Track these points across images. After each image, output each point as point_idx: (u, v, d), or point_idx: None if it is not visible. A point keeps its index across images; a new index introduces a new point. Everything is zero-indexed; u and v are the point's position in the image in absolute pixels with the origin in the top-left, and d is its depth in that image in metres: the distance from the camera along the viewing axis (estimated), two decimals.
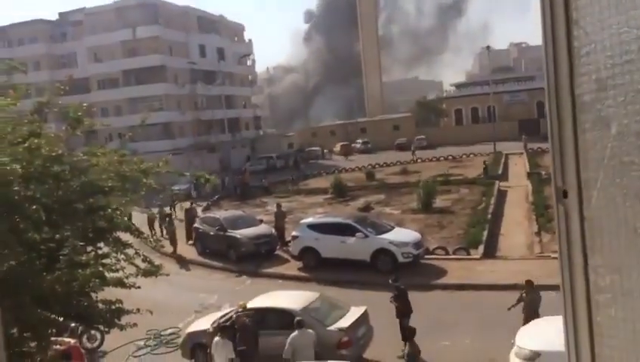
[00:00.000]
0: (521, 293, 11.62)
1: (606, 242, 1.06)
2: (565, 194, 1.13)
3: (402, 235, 19.08)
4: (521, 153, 46.28)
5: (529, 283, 11.57)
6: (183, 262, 22.89)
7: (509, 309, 11.68)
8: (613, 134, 1.02)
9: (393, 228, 20.02)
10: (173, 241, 24.01)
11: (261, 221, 24.30)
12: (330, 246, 19.10)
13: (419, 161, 51.64)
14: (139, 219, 21.83)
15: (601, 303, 1.07)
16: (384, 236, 18.67)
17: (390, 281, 13.04)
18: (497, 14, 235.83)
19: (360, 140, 74.19)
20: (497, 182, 33.44)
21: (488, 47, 64.53)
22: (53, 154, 7.36)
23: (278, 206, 25.42)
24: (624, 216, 1.01)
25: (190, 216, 27.11)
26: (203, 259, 23.02)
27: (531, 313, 11.21)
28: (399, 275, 13.92)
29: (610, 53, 1.03)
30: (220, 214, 25.58)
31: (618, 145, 1.01)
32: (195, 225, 24.95)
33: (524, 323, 11.18)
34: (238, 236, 21.95)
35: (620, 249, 1.02)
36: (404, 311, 12.30)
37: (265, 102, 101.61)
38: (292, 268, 20.20)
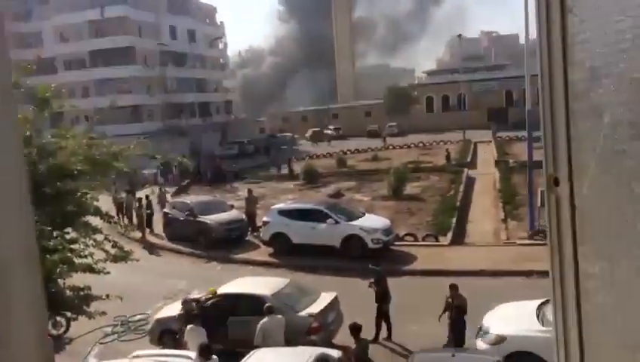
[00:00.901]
0: (447, 298, 11.29)
1: (596, 230, 1.06)
2: (557, 182, 1.12)
3: (372, 222, 19.22)
4: (490, 141, 47.01)
5: (453, 287, 11.18)
6: (153, 248, 22.63)
7: (439, 319, 11.11)
8: (606, 123, 1.02)
9: (363, 214, 20.15)
10: (142, 226, 23.69)
11: (232, 206, 24.14)
12: (300, 232, 19.13)
13: (390, 147, 51.96)
14: (108, 203, 21.51)
15: (590, 291, 1.07)
16: (354, 222, 18.78)
17: (370, 266, 13.13)
18: (471, 2, 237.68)
19: (331, 126, 74.24)
20: (466, 169, 33.90)
21: (460, 36, 64.96)
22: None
23: (249, 191, 25.30)
24: (615, 205, 1.01)
25: (160, 201, 26.79)
26: (172, 244, 22.79)
27: (460, 316, 10.86)
28: (378, 261, 14.06)
29: (605, 41, 1.02)
30: (190, 199, 25.33)
31: (611, 134, 1.01)
32: (165, 210, 24.66)
33: (450, 327, 10.98)
34: (209, 221, 21.78)
35: (611, 237, 1.02)
36: (383, 296, 12.40)
37: (236, 86, 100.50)
38: (263, 253, 20.18)
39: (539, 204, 19.45)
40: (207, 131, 68.11)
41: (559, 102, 1.12)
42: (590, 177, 1.05)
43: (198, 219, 22.14)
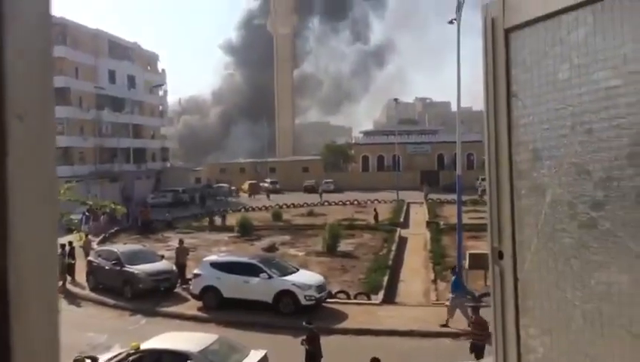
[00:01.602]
0: None
1: (538, 304, 1.10)
2: (501, 256, 1.17)
3: (306, 278, 19.07)
4: (422, 203, 48.33)
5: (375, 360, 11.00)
6: (73, 298, 21.38)
7: None
8: (548, 202, 1.08)
9: (297, 270, 19.98)
10: (62, 275, 22.42)
11: (162, 257, 23.36)
12: (232, 286, 18.67)
13: (326, 203, 52.39)
14: None
15: None
16: (288, 278, 18.57)
17: (304, 323, 12.91)
18: (410, 69, 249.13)
19: (269, 180, 74.31)
20: (399, 229, 34.55)
21: (396, 100, 67.72)
22: None
23: (180, 242, 24.65)
24: (555, 281, 1.06)
25: (85, 248, 25.55)
26: (95, 295, 21.64)
27: None
28: (310, 318, 13.84)
29: (547, 126, 1.10)
30: (118, 248, 24.33)
31: (552, 212, 1.07)
32: (89, 258, 23.53)
33: None
34: (136, 272, 20.92)
35: (551, 312, 1.06)
36: (315, 354, 12.15)
37: (175, 133, 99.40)
38: (192, 307, 19.47)
39: (467, 266, 20.02)
40: (141, 177, 66.47)
41: (504, 180, 1.18)
42: (532, 252, 1.10)
43: (124, 268, 21.22)
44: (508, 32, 1.23)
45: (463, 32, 19.87)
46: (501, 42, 1.23)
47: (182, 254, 23.37)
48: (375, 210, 40.85)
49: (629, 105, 1.02)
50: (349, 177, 74.76)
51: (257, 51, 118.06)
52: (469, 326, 14.28)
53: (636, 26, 1.03)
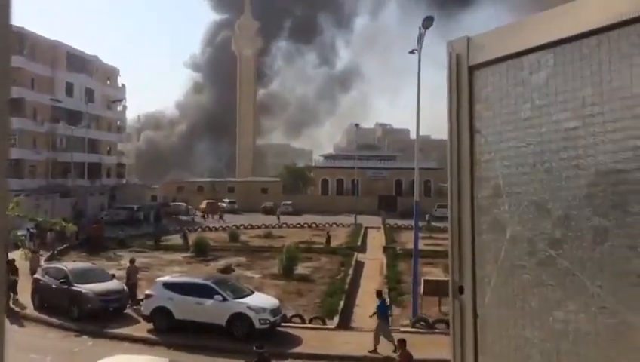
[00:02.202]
0: None
1: (497, 341, 1.10)
2: (461, 290, 1.17)
3: (261, 301, 18.82)
4: (379, 227, 48.71)
5: None
6: (15, 317, 20.45)
7: None
8: (508, 238, 1.09)
9: (252, 292, 19.71)
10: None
11: (113, 276, 22.67)
12: (185, 308, 18.25)
13: (284, 225, 52.16)
14: None
15: None
16: (243, 300, 18.28)
17: (254, 348, 12.70)
18: (373, 95, 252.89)
19: (227, 200, 73.58)
20: (355, 253, 34.64)
21: (357, 125, 68.53)
22: None
23: (131, 261, 24.03)
24: (514, 318, 1.06)
25: (31, 265, 24.60)
26: (40, 314, 20.76)
27: None
28: (264, 342, 13.66)
29: (508, 163, 1.12)
30: (66, 265, 23.49)
31: (511, 249, 1.08)
32: (36, 275, 22.62)
33: None
34: (84, 291, 20.21)
35: (510, 350, 1.06)
36: None
37: (133, 150, 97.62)
38: (142, 329, 18.89)
39: (422, 292, 20.19)
40: (95, 193, 64.74)
41: (466, 214, 1.19)
42: (492, 288, 1.11)
43: (72, 287, 20.48)
44: (472, 69, 1.25)
45: (426, 63, 20.36)
46: (465, 79, 1.26)
47: (132, 273, 22.76)
48: (328, 233, 40.92)
49: (587, 147, 1.05)
50: (308, 200, 74.80)
51: (222, 69, 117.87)
52: (394, 351, 14.61)
53: (594, 71, 1.06)
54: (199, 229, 46.88)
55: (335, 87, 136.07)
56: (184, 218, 60.67)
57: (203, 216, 63.19)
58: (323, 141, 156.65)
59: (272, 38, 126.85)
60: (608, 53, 1.05)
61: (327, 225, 52.50)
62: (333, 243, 38.41)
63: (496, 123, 1.18)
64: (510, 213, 1.10)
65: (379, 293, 18.94)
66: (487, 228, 1.15)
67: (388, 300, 22.60)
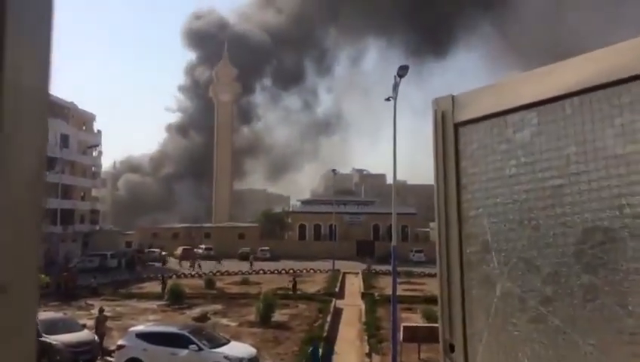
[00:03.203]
0: None
1: None
2: (452, 348, 1.16)
3: (237, 350, 18.38)
4: (357, 273, 48.40)
5: None
6: None
7: None
8: (498, 295, 1.09)
9: (229, 341, 19.27)
10: None
11: (83, 326, 21.96)
12: (159, 359, 17.69)
13: (260, 271, 51.53)
14: None
15: None
16: (219, 349, 17.83)
17: None
18: (350, 140, 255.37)
19: (203, 246, 72.60)
20: (334, 299, 34.25)
21: (334, 170, 68.96)
22: None
23: (101, 310, 23.40)
24: None
25: None
26: None
27: None
28: None
29: (496, 219, 1.13)
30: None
31: (502, 306, 1.08)
32: None
33: None
34: (54, 342, 19.48)
35: None
36: None
37: (108, 196, 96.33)
38: None
39: (401, 338, 19.93)
40: (67, 240, 63.35)
41: (455, 270, 1.19)
42: (483, 345, 1.10)
43: (41, 338, 19.73)
44: (457, 126, 1.28)
45: (403, 107, 20.78)
46: (451, 135, 1.28)
47: (101, 323, 22.13)
48: (294, 278, 40.38)
49: (573, 205, 1.07)
50: (285, 245, 74.26)
51: (201, 113, 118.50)
52: None
53: (578, 130, 1.09)
54: (174, 276, 45.97)
55: (315, 132, 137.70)
56: (158, 265, 59.58)
57: (180, 263, 62.16)
58: (302, 185, 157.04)
59: (254, 82, 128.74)
60: (590, 113, 1.08)
61: (305, 271, 52.01)
62: (311, 289, 37.94)
63: (482, 179, 1.19)
64: (500, 270, 1.11)
65: (312, 341, 18.72)
66: (476, 284, 1.15)
67: (367, 347, 22.29)
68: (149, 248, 68.34)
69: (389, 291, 24.28)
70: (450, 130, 1.29)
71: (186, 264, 60.34)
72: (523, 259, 1.08)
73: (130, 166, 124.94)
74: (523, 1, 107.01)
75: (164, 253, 66.70)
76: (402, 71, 20.90)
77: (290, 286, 37.99)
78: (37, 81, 0.61)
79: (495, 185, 1.16)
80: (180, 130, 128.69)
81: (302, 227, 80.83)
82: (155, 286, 39.45)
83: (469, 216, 1.19)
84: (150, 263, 59.30)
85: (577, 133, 1.10)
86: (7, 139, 0.52)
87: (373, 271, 49.57)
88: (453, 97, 1.31)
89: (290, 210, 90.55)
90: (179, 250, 69.15)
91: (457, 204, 1.21)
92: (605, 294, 1.02)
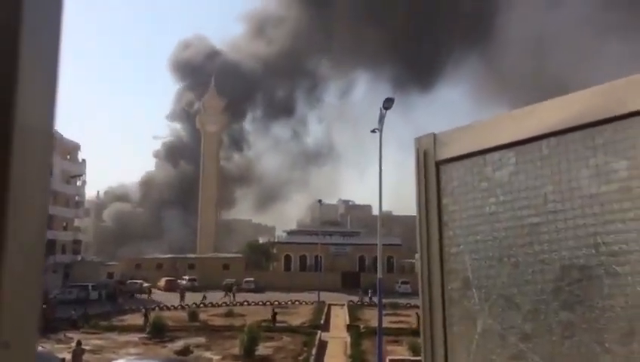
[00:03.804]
0: None
1: None
2: None
3: None
4: (343, 304, 48.03)
5: None
6: None
7: None
8: (479, 332, 1.11)
9: None
10: None
11: (62, 360, 21.43)
12: None
13: (245, 303, 50.91)
14: None
15: None
16: None
17: None
18: (337, 171, 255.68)
19: (187, 277, 71.69)
20: (319, 332, 33.86)
21: (320, 201, 68.95)
22: None
23: (78, 343, 22.92)
24: None
25: None
26: None
27: None
28: None
29: (476, 256, 1.15)
30: None
31: (483, 342, 1.09)
32: None
33: None
34: None
35: None
36: None
37: (90, 226, 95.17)
38: None
39: None
40: (48, 271, 62.24)
41: (437, 306, 1.21)
42: None
43: None
44: (439, 164, 1.31)
45: (390, 138, 20.98)
46: (432, 174, 1.31)
47: (77, 357, 21.65)
48: (273, 310, 39.95)
49: (551, 243, 1.09)
50: (270, 276, 73.64)
51: (190, 142, 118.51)
52: None
53: (554, 170, 1.13)
54: (156, 308, 45.22)
55: (303, 162, 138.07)
56: (140, 296, 58.65)
57: (169, 291, 61.30)
58: (288, 215, 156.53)
59: (243, 111, 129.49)
60: (566, 154, 1.12)
61: (289, 303, 51.49)
62: (296, 321, 37.50)
63: (463, 217, 1.22)
64: (480, 306, 1.12)
65: None
66: (458, 321, 1.16)
67: None
68: (131, 279, 67.32)
69: (374, 323, 24.10)
70: (432, 168, 1.32)
71: (171, 295, 59.48)
72: (503, 296, 1.10)
73: (115, 195, 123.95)
74: (508, 37, 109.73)
75: (146, 284, 65.68)
76: (388, 103, 21.19)
77: (271, 317, 37.55)
78: (44, 123, 0.62)
79: (475, 222, 1.18)
80: (168, 158, 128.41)
81: (287, 258, 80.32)
82: (137, 319, 38.75)
83: (450, 252, 1.22)
84: (132, 294, 58.39)
85: (554, 172, 1.14)
86: (14, 199, 0.58)
87: (359, 303, 49.22)
88: (434, 136, 1.35)
89: (276, 240, 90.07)
90: (162, 281, 68.20)
91: (439, 241, 1.24)
92: (583, 331, 1.04)
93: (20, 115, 0.57)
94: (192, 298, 53.32)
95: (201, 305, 47.69)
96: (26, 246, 0.61)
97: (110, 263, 79.49)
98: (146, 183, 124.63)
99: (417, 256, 1.28)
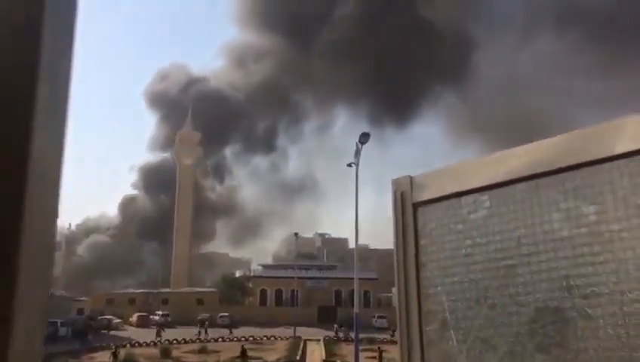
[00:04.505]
0: None
1: None
2: None
3: None
4: (319, 339, 47.40)
5: None
6: None
7: None
8: None
9: None
10: None
11: None
12: None
13: (219, 339, 49.89)
14: None
15: None
16: None
17: None
18: (314, 204, 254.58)
19: (160, 312, 70.10)
20: None
21: (296, 234, 68.60)
22: None
23: None
24: None
25: None
26: None
27: None
28: None
29: (454, 298, 1.17)
30: None
31: None
32: None
33: None
34: None
35: None
36: None
37: (60, 260, 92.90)
38: None
39: None
40: None
41: (416, 347, 1.22)
42: None
43: None
44: (416, 206, 1.34)
45: (366, 174, 21.17)
46: (410, 215, 1.34)
47: None
48: (242, 346, 39.14)
49: (525, 285, 1.12)
50: (246, 311, 72.44)
51: (167, 174, 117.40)
52: None
53: (527, 214, 1.17)
54: (128, 345, 44.00)
55: (280, 196, 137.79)
56: (111, 333, 57.08)
57: (141, 327, 59.73)
58: (264, 249, 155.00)
59: (221, 144, 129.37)
60: (538, 198, 1.16)
61: (264, 338, 50.63)
62: (272, 357, 36.80)
63: (440, 258, 1.25)
64: (458, 348, 1.14)
65: None
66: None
67: None
68: (102, 315, 65.58)
69: (351, 358, 23.81)
70: (410, 210, 1.35)
71: (144, 331, 57.99)
72: (480, 338, 1.11)
73: (89, 228, 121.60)
74: (482, 75, 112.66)
75: (118, 320, 64.00)
76: (364, 138, 21.45)
77: (240, 353, 36.65)
78: (53, 171, 0.67)
79: (452, 263, 1.21)
80: (146, 189, 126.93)
81: (263, 292, 79.26)
82: (106, 356, 37.62)
83: (428, 293, 1.24)
84: (103, 331, 56.83)
85: (526, 216, 1.17)
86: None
87: (335, 338, 48.61)
88: (411, 178, 1.38)
89: (252, 274, 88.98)
90: (134, 317, 66.57)
91: (417, 282, 1.25)
92: None
93: (33, 163, 0.62)
94: (165, 334, 52.11)
95: (174, 341, 46.54)
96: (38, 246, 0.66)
97: (80, 298, 77.40)
98: (124, 215, 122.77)
99: (394, 289, 1.29)
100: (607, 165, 1.06)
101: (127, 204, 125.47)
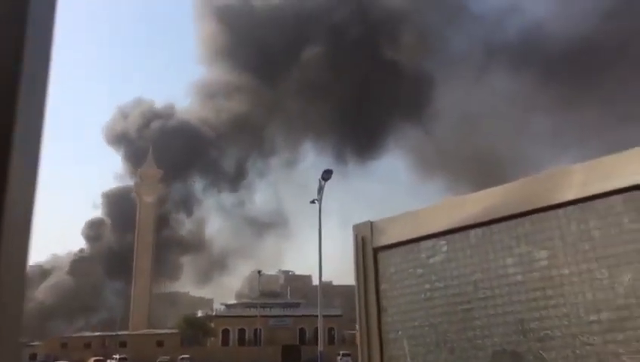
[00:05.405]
0: None
1: None
2: None
3: None
4: None
5: None
6: None
7: None
8: None
9: None
10: None
11: None
12: None
13: None
14: None
15: None
16: None
17: None
18: (276, 241, 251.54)
19: (117, 356, 67.47)
20: None
21: (260, 272, 67.73)
22: None
23: None
24: None
25: None
26: None
27: None
28: None
29: (415, 342, 1.19)
30: None
31: None
32: None
33: None
34: None
35: None
36: None
37: None
38: None
39: None
40: None
41: None
42: None
43: None
44: (376, 250, 1.37)
45: (329, 210, 21.20)
46: (370, 260, 1.36)
47: None
48: None
49: (483, 328, 1.15)
50: (208, 352, 70.45)
51: (129, 212, 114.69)
52: None
53: (482, 259, 1.20)
54: None
55: (247, 231, 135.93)
56: None
57: None
58: (228, 286, 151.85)
59: (188, 179, 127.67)
60: (492, 243, 1.20)
61: None
62: None
63: (400, 302, 1.26)
64: None
65: None
66: None
67: None
68: (56, 360, 62.72)
69: None
70: (370, 255, 1.37)
71: None
72: None
73: (43, 269, 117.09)
74: (443, 111, 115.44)
75: None
76: (326, 175, 21.59)
77: None
78: (26, 198, 0.66)
79: (413, 308, 1.23)
80: (109, 227, 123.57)
81: (225, 332, 77.41)
82: None
83: (390, 338, 1.25)
84: None
85: (482, 260, 1.21)
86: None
87: None
88: (371, 223, 1.40)
89: (214, 313, 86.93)
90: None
91: (378, 327, 1.27)
92: None
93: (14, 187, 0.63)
94: None
95: None
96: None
97: (33, 343, 73.94)
98: (83, 255, 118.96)
99: (358, 326, 1.31)
100: (556, 211, 1.10)
101: (92, 229, 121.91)
